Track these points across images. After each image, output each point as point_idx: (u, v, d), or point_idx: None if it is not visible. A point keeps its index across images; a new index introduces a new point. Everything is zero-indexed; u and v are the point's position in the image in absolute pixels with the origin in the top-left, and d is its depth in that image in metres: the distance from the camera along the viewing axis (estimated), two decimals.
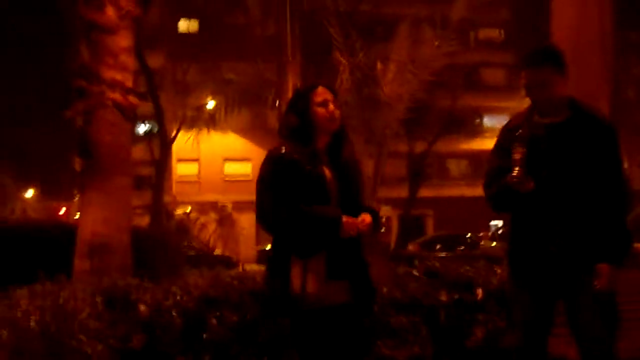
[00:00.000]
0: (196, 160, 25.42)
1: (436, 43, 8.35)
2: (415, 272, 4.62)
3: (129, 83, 6.97)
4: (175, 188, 23.40)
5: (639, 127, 19.74)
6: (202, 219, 16.72)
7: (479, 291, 4.36)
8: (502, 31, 29.52)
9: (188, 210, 17.62)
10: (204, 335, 3.69)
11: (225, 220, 19.78)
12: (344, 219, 2.60)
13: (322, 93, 2.77)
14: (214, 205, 20.07)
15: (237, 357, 3.83)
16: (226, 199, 21.40)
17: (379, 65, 9.22)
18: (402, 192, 22.13)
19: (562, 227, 2.64)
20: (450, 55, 14.48)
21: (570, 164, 2.65)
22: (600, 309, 2.64)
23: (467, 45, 22.53)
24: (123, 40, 6.87)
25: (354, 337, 2.72)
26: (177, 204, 19.98)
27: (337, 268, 2.63)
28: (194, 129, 19.85)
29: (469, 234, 20.52)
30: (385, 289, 4.31)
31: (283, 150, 2.71)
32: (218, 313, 3.75)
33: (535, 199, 2.67)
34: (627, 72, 18.43)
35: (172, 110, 20.41)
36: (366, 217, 2.68)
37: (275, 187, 2.63)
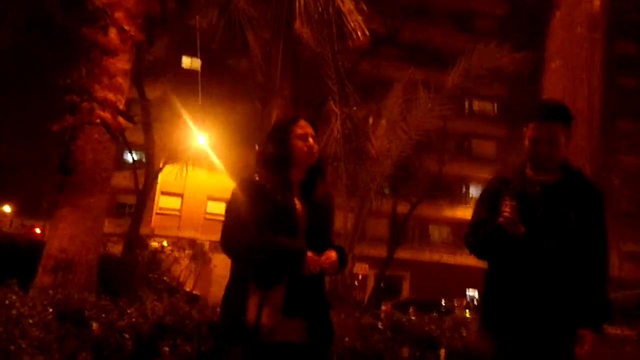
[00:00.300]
0: (180, 195, 25.31)
1: (429, 105, 8.49)
2: (380, 325, 4.53)
3: (121, 105, 7.01)
4: (154, 220, 23.18)
5: (622, 214, 19.95)
6: (177, 254, 16.42)
7: (442, 351, 4.27)
8: (496, 104, 30.18)
9: (165, 244, 17.30)
10: None
11: (200, 257, 19.46)
12: (309, 254, 2.56)
13: (303, 126, 2.77)
14: (191, 242, 19.79)
15: None
16: (205, 237, 21.20)
17: (370, 120, 9.36)
18: (382, 252, 22.04)
19: (545, 285, 2.58)
20: (443, 119, 14.82)
21: (560, 225, 2.61)
22: None
23: (461, 114, 23.03)
24: (122, 63, 6.96)
25: None
26: (154, 236, 19.68)
27: (295, 304, 2.55)
28: (181, 163, 19.77)
29: (444, 301, 20.33)
30: (346, 338, 4.22)
31: (256, 178, 2.69)
32: (172, 341, 3.64)
33: (522, 252, 2.60)
34: (614, 158, 18.81)
35: (163, 142, 20.41)
36: (331, 254, 2.64)
37: (243, 213, 2.60)
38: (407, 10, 21.26)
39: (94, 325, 3.61)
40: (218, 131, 18.48)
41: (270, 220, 2.58)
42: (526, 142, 2.73)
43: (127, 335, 3.63)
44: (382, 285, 19.78)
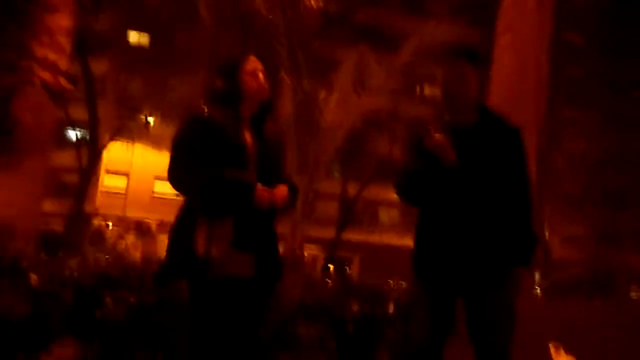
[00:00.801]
0: (126, 174, 24.60)
1: (381, 79, 8.52)
2: (329, 282, 4.53)
3: (63, 65, 6.72)
4: (99, 199, 22.47)
5: (566, 197, 20.63)
6: (122, 232, 16.01)
7: (391, 305, 4.32)
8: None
9: (110, 224, 16.85)
10: (97, 314, 3.43)
11: (146, 237, 19.07)
12: (259, 186, 2.51)
13: (252, 62, 2.72)
14: (138, 223, 19.33)
15: (129, 343, 3.57)
16: (152, 218, 20.72)
17: (322, 93, 9.33)
18: (332, 234, 22.17)
19: (470, 226, 2.60)
20: (394, 100, 14.93)
21: (477, 166, 2.62)
22: (500, 314, 2.59)
23: (412, 98, 23.27)
24: (63, 20, 6.67)
25: (251, 314, 2.59)
26: (99, 215, 19.13)
27: (244, 238, 2.50)
28: (127, 141, 19.23)
29: (391, 282, 20.65)
30: (295, 293, 4.20)
31: (205, 111, 2.61)
32: (114, 292, 3.51)
33: (445, 196, 2.63)
34: (559, 145, 19.46)
35: (108, 119, 19.77)
36: (282, 189, 2.59)
37: (191, 146, 2.52)
38: None
39: (33, 276, 3.45)
40: (165, 107, 18.07)
41: (220, 153, 2.51)
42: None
43: (68, 288, 3.48)
44: (330, 266, 19.90)
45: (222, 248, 2.45)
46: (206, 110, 2.63)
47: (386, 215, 29.38)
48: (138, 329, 3.58)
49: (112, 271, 3.66)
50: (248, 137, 2.63)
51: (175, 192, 2.54)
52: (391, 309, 4.30)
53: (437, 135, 2.60)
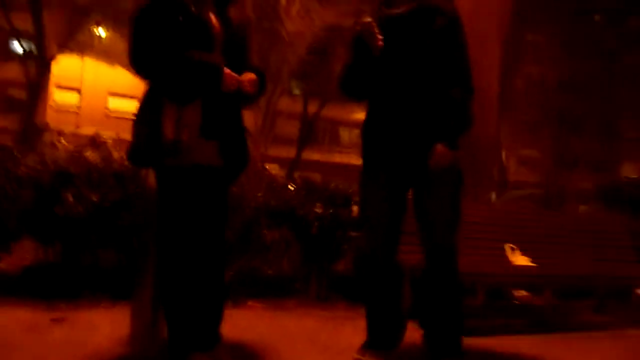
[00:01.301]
0: (77, 89, 23.59)
1: None
2: (291, 186, 4.54)
3: None
4: (49, 115, 21.60)
5: (524, 121, 20.96)
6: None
7: (355, 207, 4.37)
8: None
9: (62, 141, 16.28)
10: (59, 211, 3.34)
11: (102, 151, 18.59)
12: (226, 70, 2.41)
13: None
14: (92, 138, 18.77)
15: (92, 243, 3.52)
16: (106, 135, 20.11)
17: (283, 0, 8.98)
18: (293, 154, 22.16)
19: (409, 110, 2.61)
20: (357, 14, 14.54)
21: (411, 51, 2.62)
22: (445, 207, 2.62)
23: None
24: None
25: (217, 203, 2.56)
26: (50, 130, 18.43)
27: (212, 125, 2.42)
28: (77, 54, 18.26)
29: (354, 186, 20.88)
30: (259, 194, 4.20)
31: None
32: (76, 190, 3.41)
33: (384, 83, 2.64)
34: (517, 67, 19.53)
35: (55, 30, 18.65)
36: (250, 74, 2.50)
37: (154, 26, 2.36)
38: None
39: None
40: (118, 18, 17.13)
41: (184, 32, 2.37)
42: None
43: (26, 185, 3.36)
44: (290, 185, 19.98)
45: (190, 134, 2.37)
46: None
47: (347, 135, 29.51)
48: (101, 228, 3.52)
49: (72, 169, 3.53)
50: (213, 18, 2.50)
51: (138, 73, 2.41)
52: (355, 210, 4.36)
53: (365, 21, 2.58)
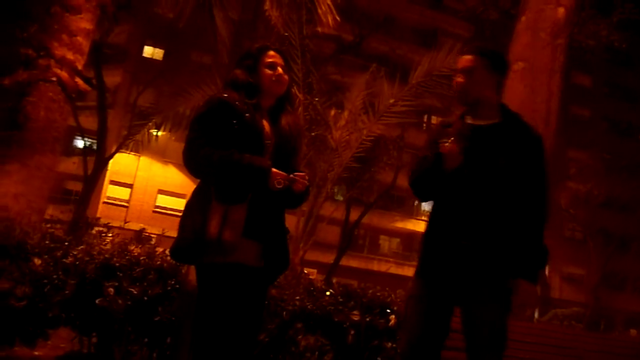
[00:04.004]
0: (130, 185, 24.61)
1: (391, 100, 8.54)
2: (330, 291, 4.49)
3: (80, 65, 6.79)
4: (101, 209, 22.45)
5: (568, 238, 20.48)
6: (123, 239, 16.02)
7: (393, 317, 4.26)
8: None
9: (110, 234, 16.76)
10: (97, 301, 3.39)
11: (145, 246, 18.94)
12: (274, 169, 2.50)
13: (272, 55, 2.74)
14: (137, 234, 19.23)
15: (127, 337, 3.53)
16: (152, 231, 20.64)
17: (332, 111, 9.37)
18: (332, 259, 22.05)
19: (477, 229, 2.51)
20: (401, 126, 14.97)
21: (491, 166, 2.55)
22: (492, 329, 2.49)
23: (420, 129, 23.37)
24: (84, 22, 6.75)
25: (255, 303, 2.57)
26: (100, 225, 19.10)
27: (256, 225, 2.49)
28: (133, 153, 19.25)
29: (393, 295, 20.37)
30: (297, 297, 4.16)
31: (225, 95, 2.62)
32: (117, 283, 3.48)
33: (456, 193, 2.56)
34: (563, 185, 19.47)
35: (116, 130, 19.88)
36: (300, 174, 2.57)
37: (209, 128, 2.52)
38: (374, 20, 21.57)
39: (36, 260, 3.43)
40: (175, 121, 18.17)
41: (238, 137, 2.51)
42: None
43: (70, 274, 3.45)
44: (327, 290, 19.68)
45: (234, 233, 2.43)
46: (225, 94, 2.63)
47: (387, 244, 29.30)
48: (138, 322, 3.53)
49: (116, 262, 3.63)
50: (265, 123, 2.64)
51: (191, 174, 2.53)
52: (393, 320, 4.25)
53: (447, 145, 2.54)
